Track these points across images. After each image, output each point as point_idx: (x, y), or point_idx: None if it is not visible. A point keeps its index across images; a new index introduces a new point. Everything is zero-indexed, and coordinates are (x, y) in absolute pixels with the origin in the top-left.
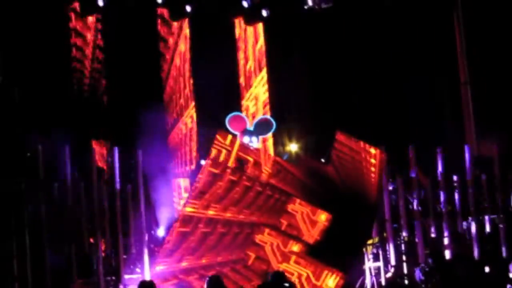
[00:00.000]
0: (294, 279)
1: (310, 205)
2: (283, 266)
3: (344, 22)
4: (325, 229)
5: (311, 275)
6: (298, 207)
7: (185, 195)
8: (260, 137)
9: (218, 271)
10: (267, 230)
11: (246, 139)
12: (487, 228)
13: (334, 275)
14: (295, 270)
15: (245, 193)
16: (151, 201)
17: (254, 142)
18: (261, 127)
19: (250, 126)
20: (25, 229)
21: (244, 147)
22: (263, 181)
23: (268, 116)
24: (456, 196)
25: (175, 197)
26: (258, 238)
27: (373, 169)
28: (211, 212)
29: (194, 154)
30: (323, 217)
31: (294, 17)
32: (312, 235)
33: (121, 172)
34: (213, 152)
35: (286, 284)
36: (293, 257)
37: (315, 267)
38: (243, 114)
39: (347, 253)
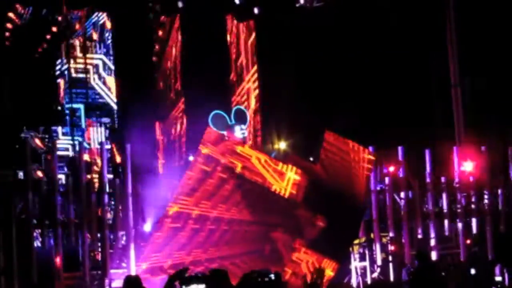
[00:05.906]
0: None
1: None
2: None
3: (333, 21)
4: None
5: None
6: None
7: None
8: (245, 127)
9: (206, 267)
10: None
11: (238, 134)
12: (474, 230)
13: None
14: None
15: (234, 190)
16: (138, 196)
17: (245, 133)
18: (238, 116)
19: (231, 121)
20: (12, 221)
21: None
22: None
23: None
24: (444, 197)
25: (162, 193)
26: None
27: (361, 169)
28: (198, 209)
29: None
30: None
31: (284, 16)
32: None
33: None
34: (203, 150)
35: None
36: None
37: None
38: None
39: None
